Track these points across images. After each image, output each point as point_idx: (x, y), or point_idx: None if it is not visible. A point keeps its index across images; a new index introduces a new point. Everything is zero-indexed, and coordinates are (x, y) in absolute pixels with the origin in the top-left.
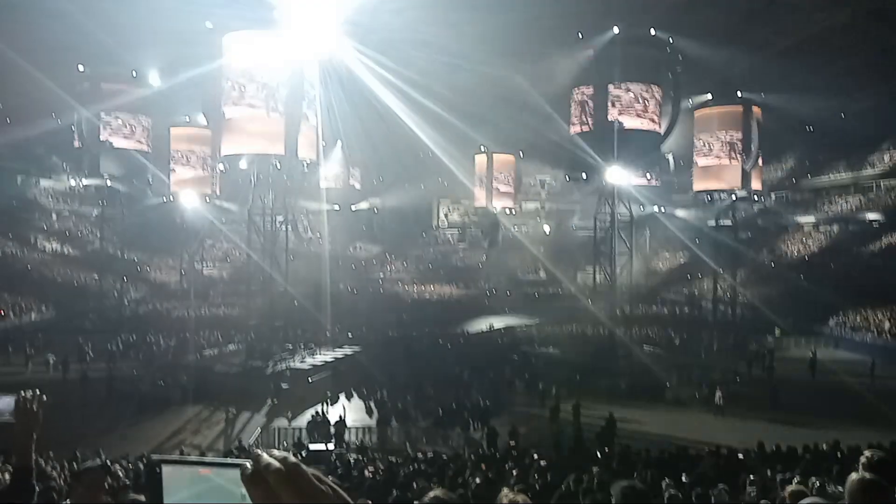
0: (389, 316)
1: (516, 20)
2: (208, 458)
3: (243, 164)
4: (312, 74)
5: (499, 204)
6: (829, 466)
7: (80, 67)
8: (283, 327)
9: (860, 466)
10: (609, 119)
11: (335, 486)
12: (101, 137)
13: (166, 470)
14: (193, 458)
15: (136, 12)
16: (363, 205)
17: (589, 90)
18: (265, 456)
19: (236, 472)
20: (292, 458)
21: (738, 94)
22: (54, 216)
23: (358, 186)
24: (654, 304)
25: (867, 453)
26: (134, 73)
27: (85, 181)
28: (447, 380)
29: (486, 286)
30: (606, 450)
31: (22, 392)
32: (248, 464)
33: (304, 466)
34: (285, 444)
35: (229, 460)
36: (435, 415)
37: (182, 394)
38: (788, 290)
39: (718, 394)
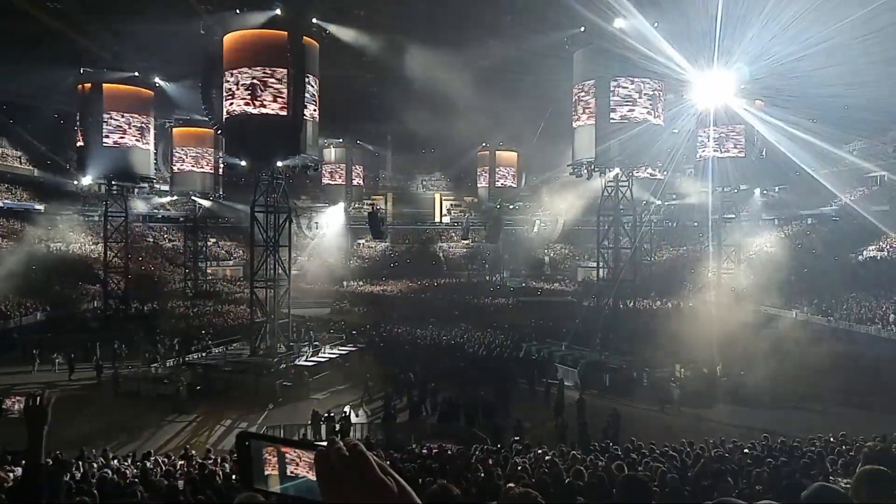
0: (394, 312)
1: (521, 12)
2: (290, 439)
3: (245, 162)
4: (313, 70)
5: (501, 199)
6: (833, 459)
7: (82, 70)
8: (287, 324)
9: (862, 458)
10: (611, 113)
11: (398, 477)
12: (105, 137)
13: (254, 445)
14: (277, 437)
15: (139, 12)
16: (365, 201)
17: (591, 84)
18: (338, 442)
19: (311, 454)
20: (360, 447)
21: (740, 86)
22: (58, 216)
23: (360, 182)
24: (657, 298)
25: (868, 444)
26: (136, 73)
27: (87, 180)
28: (452, 375)
29: (490, 279)
30: (611, 444)
31: (31, 391)
32: (321, 446)
33: (369, 455)
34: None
35: (307, 442)
36: (440, 410)
37: (187, 392)
38: (793, 282)
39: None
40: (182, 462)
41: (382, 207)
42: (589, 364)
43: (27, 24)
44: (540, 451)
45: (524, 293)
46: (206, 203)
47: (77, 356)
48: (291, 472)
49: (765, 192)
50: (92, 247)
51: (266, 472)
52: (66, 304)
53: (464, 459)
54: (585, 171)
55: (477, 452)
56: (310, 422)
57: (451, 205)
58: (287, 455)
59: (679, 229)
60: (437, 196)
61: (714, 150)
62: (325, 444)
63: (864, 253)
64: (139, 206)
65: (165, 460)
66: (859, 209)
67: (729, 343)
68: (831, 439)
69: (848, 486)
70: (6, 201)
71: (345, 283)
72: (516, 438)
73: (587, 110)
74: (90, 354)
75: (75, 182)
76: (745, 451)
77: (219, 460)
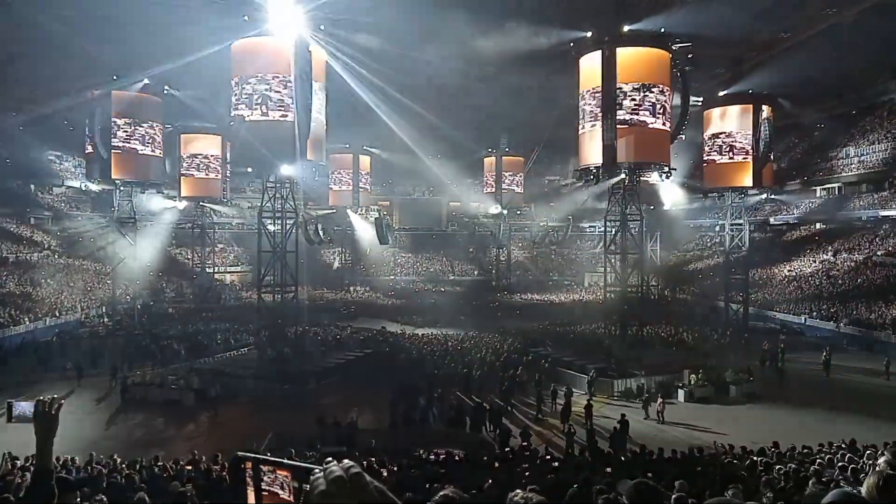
0: (399, 317)
1: (525, 20)
2: (285, 461)
3: (252, 169)
4: (320, 77)
5: (508, 205)
6: (844, 465)
7: (91, 76)
8: (294, 330)
9: (881, 463)
10: (618, 118)
11: (395, 500)
12: (113, 143)
13: (249, 467)
14: (272, 458)
15: (147, 21)
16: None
17: (597, 89)
18: (333, 464)
19: (307, 475)
20: (356, 469)
21: (749, 91)
22: (67, 221)
23: (368, 189)
24: (665, 303)
25: (888, 451)
26: (146, 81)
27: (96, 186)
28: (458, 380)
29: (497, 284)
30: (619, 450)
31: (41, 396)
32: (318, 469)
33: (366, 477)
34: (298, 447)
35: (302, 464)
36: (447, 416)
37: (195, 397)
38: (801, 288)
39: (660, 401)
40: (189, 467)
41: (388, 213)
42: (598, 370)
43: (37, 32)
44: (548, 458)
45: (532, 298)
46: (216, 208)
47: (85, 362)
48: (284, 495)
49: (771, 196)
50: (100, 252)
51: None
52: (74, 310)
53: (470, 465)
54: (592, 177)
55: (483, 458)
56: (317, 427)
57: (458, 210)
58: (280, 476)
59: (689, 233)
60: (444, 201)
61: (719, 155)
62: (320, 467)
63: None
64: (153, 204)
65: (173, 465)
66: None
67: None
68: (842, 445)
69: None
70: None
71: (352, 288)
72: (523, 444)
73: (593, 116)
74: (98, 360)
75: (83, 187)
76: (755, 457)
77: (226, 465)
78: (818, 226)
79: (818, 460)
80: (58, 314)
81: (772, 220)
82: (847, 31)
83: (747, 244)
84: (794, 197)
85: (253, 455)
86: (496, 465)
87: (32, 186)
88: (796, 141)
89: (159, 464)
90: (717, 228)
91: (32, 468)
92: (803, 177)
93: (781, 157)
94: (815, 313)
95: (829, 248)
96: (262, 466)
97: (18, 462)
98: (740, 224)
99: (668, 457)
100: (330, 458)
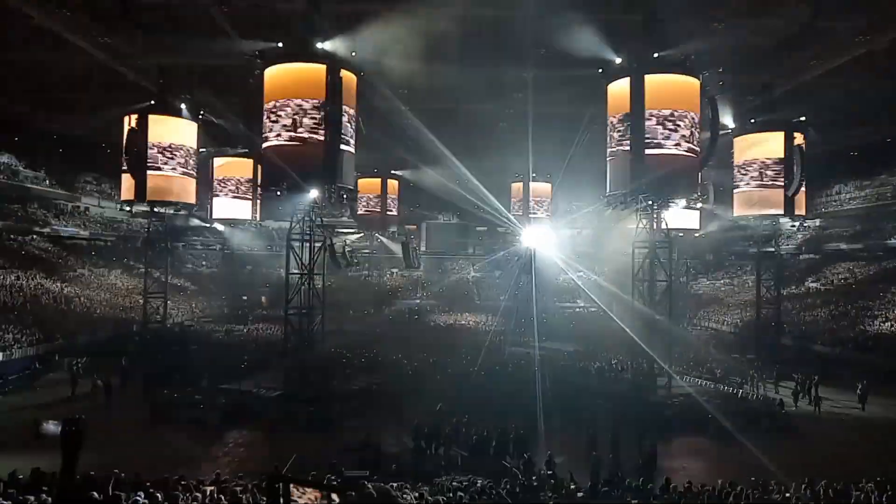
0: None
1: (552, 47)
2: (320, 482)
3: (282, 193)
4: (351, 103)
5: (535, 231)
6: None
7: (128, 101)
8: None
9: None
10: (647, 144)
11: None
12: (149, 166)
13: (284, 487)
14: (307, 479)
15: (180, 45)
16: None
17: (626, 115)
18: (368, 487)
19: (341, 495)
20: (392, 493)
21: (779, 119)
22: (101, 241)
23: (395, 213)
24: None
25: None
26: (182, 106)
27: (130, 207)
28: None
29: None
30: (645, 481)
31: (67, 417)
32: (352, 492)
33: (399, 500)
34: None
35: (337, 486)
36: (470, 441)
37: (220, 417)
38: (833, 318)
39: None
40: (212, 488)
41: (415, 238)
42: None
43: (78, 57)
44: (573, 487)
45: (557, 321)
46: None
47: (115, 379)
48: None
49: (805, 225)
50: (132, 275)
51: None
52: (106, 327)
53: (493, 493)
54: (620, 203)
55: (507, 486)
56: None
57: (485, 235)
58: (314, 496)
59: (718, 260)
60: (472, 226)
61: (750, 182)
62: (353, 488)
63: None
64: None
65: (198, 485)
66: None
67: None
68: (878, 479)
69: None
70: (55, 227)
71: (371, 310)
72: (548, 473)
73: (621, 141)
74: (127, 378)
75: (119, 209)
76: (787, 494)
77: (249, 486)
78: (850, 255)
79: (855, 497)
80: (88, 331)
81: (803, 248)
82: (882, 59)
83: (779, 272)
84: (828, 223)
85: (288, 476)
86: (519, 492)
87: (69, 206)
88: (828, 168)
89: (182, 483)
90: (747, 256)
91: (58, 485)
92: (838, 204)
93: (813, 184)
94: (850, 344)
95: (862, 275)
96: (296, 487)
97: (46, 478)
98: (772, 251)
99: (697, 491)
100: (364, 481)
